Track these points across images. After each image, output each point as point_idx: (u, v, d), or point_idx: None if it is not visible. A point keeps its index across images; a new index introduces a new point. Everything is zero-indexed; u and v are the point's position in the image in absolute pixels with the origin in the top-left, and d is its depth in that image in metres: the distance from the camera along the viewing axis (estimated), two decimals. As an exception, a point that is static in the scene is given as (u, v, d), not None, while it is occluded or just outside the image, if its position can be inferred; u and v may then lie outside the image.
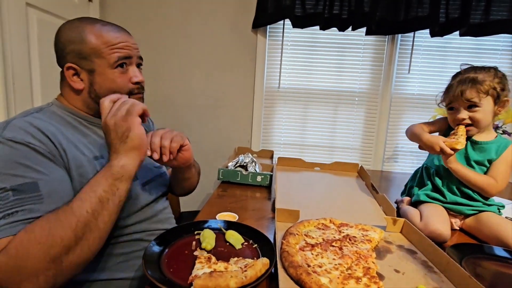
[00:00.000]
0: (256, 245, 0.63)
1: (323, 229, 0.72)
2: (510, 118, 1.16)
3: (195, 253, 0.58)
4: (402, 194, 1.00)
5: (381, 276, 0.56)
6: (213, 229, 0.68)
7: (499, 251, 0.68)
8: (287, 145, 1.80)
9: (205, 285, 0.46)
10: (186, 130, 1.80)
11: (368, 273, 0.54)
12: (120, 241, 0.66)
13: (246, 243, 0.64)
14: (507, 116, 1.16)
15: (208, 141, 1.83)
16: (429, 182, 0.88)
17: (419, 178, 0.93)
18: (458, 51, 1.62)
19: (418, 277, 0.56)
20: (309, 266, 0.55)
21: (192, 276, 0.49)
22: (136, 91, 0.69)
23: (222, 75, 1.76)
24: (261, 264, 0.52)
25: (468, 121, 0.80)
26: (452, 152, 0.77)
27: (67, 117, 0.65)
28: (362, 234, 0.71)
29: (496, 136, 0.83)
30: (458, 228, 0.83)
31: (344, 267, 0.56)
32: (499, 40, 1.60)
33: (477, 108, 0.78)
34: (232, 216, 0.81)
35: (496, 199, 0.85)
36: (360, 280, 0.52)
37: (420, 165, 0.97)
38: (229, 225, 0.70)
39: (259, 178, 1.11)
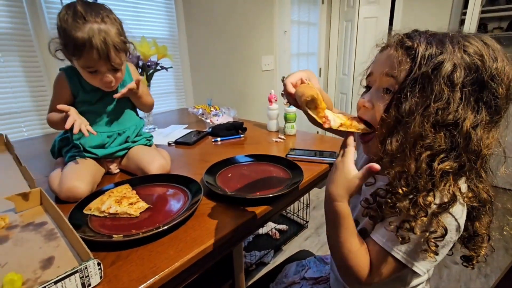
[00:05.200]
0: None
1: None
2: (161, 54, 1.31)
3: None
4: (54, 155, 0.85)
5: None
6: None
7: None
8: None
9: None
10: None
11: None
12: None
13: None
14: (158, 51, 1.30)
15: None
16: (78, 143, 0.77)
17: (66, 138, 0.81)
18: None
19: (24, 259, 0.47)
20: None
21: None
22: None
23: None
24: None
25: (115, 83, 0.74)
26: None
27: None
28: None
29: None
30: (118, 171, 0.84)
31: None
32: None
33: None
34: None
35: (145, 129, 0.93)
36: None
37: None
38: None
39: None
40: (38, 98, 1.31)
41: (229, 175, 0.78)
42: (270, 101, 1.21)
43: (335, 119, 0.49)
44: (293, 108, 1.16)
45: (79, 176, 0.67)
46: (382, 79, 0.47)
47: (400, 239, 0.42)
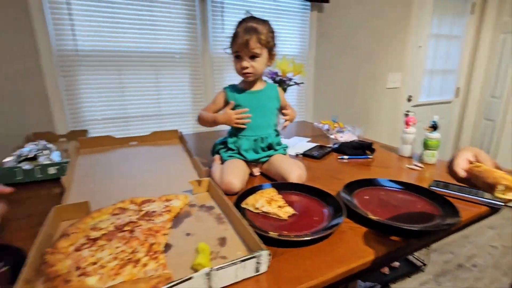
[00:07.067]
0: (7, 267, 0.48)
1: (118, 214, 0.64)
2: (297, 71, 1.41)
3: None
4: (212, 154, 1.03)
5: (168, 247, 0.55)
6: None
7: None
8: (107, 120, 1.55)
9: None
10: None
11: (151, 250, 0.51)
12: None
13: (-7, 270, 0.47)
14: (294, 69, 1.41)
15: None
16: (233, 145, 0.93)
17: (224, 141, 0.98)
18: (262, 11, 1.79)
19: (206, 234, 0.59)
20: (78, 268, 0.46)
21: None
22: None
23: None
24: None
25: (251, 70, 0.88)
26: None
27: None
28: (164, 205, 0.68)
29: (266, 83, 0.97)
30: (259, 173, 0.95)
31: (128, 252, 0.51)
32: (292, 2, 1.88)
33: (257, 59, 0.87)
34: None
35: (283, 141, 1.02)
36: (138, 262, 0.48)
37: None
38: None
39: (52, 170, 0.88)
40: (196, 103, 1.64)
41: (366, 197, 0.76)
42: (407, 124, 1.12)
43: None
44: (436, 135, 1.04)
45: (235, 174, 0.81)
46: None
47: None
